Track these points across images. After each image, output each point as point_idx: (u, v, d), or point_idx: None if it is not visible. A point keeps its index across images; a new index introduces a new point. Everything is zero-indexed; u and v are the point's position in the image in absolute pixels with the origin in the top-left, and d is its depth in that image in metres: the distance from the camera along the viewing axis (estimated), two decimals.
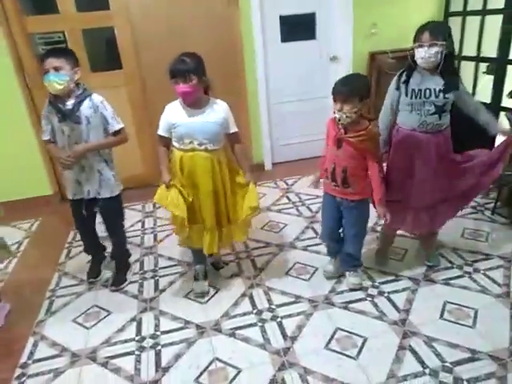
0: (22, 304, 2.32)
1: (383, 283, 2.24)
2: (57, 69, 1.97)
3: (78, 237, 2.77)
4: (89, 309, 2.25)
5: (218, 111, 2.02)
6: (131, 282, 2.44)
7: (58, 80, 1.97)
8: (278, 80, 3.83)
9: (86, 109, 2.07)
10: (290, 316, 2.05)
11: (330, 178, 2.04)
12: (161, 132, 2.07)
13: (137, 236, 2.96)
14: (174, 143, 2.06)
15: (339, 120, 1.88)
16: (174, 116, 2.01)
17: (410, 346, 1.81)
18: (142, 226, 3.13)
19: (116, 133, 2.16)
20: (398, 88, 2.05)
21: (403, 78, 2.03)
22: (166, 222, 3.07)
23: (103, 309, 2.24)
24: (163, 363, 1.84)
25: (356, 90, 1.83)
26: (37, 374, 1.86)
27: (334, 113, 1.88)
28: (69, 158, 2.08)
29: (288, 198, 3.39)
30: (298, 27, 3.76)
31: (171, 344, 1.94)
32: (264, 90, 3.77)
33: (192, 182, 2.04)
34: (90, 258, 2.54)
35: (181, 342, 1.95)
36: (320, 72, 3.92)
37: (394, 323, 1.95)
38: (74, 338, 2.05)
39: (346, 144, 1.93)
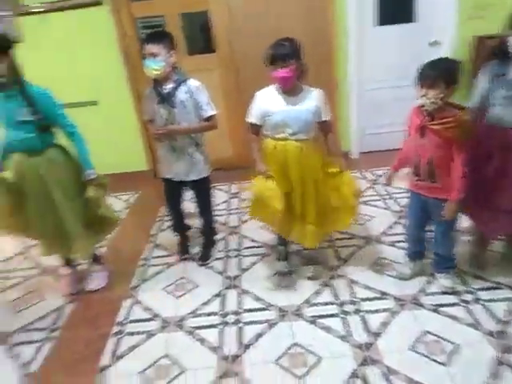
0: (119, 268, 2.54)
1: (480, 289, 2.07)
2: (154, 55, 2.04)
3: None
4: (177, 280, 2.40)
5: (312, 98, 1.98)
6: (217, 259, 2.55)
7: (154, 66, 2.06)
8: (370, 66, 3.65)
9: (181, 93, 2.15)
10: (374, 312, 1.99)
11: (414, 171, 1.91)
12: (253, 119, 2.05)
13: (222, 215, 3.07)
14: (266, 131, 2.04)
15: (423, 106, 1.75)
16: (268, 103, 1.98)
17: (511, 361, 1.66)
18: (228, 206, 3.23)
19: (208, 118, 2.22)
20: (491, 80, 1.85)
21: (496, 68, 1.83)
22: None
23: (191, 281, 2.37)
24: (245, 340, 1.90)
25: (443, 75, 1.68)
26: (132, 334, 2.03)
27: (419, 99, 1.75)
28: (158, 131, 2.18)
29: (375, 189, 3.26)
30: (396, 9, 3.52)
31: (253, 323, 2.00)
32: (355, 75, 3.62)
33: (284, 172, 2.01)
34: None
35: (262, 322, 2.00)
36: (418, 58, 3.64)
37: (490, 334, 1.80)
38: (164, 305, 2.20)
39: (430, 132, 1.79)
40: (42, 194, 2.07)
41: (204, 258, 2.54)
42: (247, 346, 1.87)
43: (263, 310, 2.08)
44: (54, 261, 2.51)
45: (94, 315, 2.20)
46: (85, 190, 2.13)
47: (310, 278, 2.27)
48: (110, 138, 3.68)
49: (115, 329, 2.07)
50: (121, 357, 1.91)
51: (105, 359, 1.90)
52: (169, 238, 2.81)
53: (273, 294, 2.18)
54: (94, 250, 2.43)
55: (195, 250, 2.65)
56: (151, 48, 2.04)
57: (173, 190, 2.44)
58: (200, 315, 2.10)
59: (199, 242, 2.66)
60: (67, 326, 2.15)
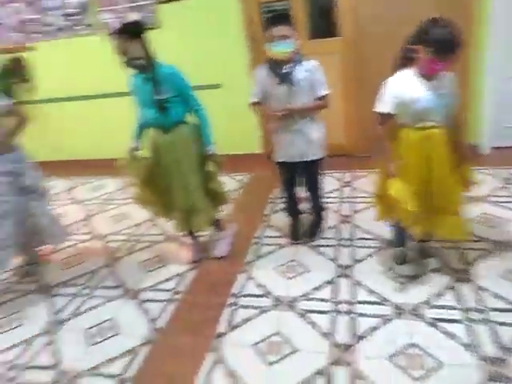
0: (235, 243, 2.68)
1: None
2: (285, 37, 2.04)
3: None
4: (289, 262, 2.44)
5: (446, 83, 1.81)
6: (328, 246, 2.53)
7: (285, 48, 2.06)
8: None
9: (300, 72, 2.15)
10: (507, 325, 1.80)
11: None
12: (386, 109, 1.87)
13: (334, 203, 3.03)
14: (404, 121, 1.88)
15: None
16: (409, 89, 1.80)
17: None
18: (340, 194, 3.17)
19: (321, 97, 2.21)
20: None
21: None
22: (363, 194, 3.05)
23: (302, 265, 2.40)
24: (358, 331, 1.87)
25: None
26: (245, 307, 2.14)
27: None
28: (278, 111, 2.20)
29: (509, 190, 2.92)
30: None
31: (366, 315, 1.96)
32: (496, 60, 3.23)
33: (425, 163, 1.86)
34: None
35: (376, 316, 1.94)
36: None
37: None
38: (276, 284, 2.27)
39: None
40: (174, 168, 2.26)
41: (311, 235, 2.59)
42: (360, 338, 1.84)
43: (377, 304, 2.02)
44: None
45: (211, 284, 2.37)
46: (205, 164, 2.30)
47: (428, 279, 2.13)
48: (228, 120, 3.84)
49: (230, 300, 2.20)
50: (235, 327, 2.02)
51: (221, 327, 2.03)
52: (281, 219, 2.86)
53: (387, 290, 2.10)
54: (215, 219, 2.56)
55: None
56: (282, 30, 2.05)
57: (288, 174, 2.48)
58: (311, 299, 2.12)
59: (307, 223, 2.69)
60: (188, 290, 2.34)
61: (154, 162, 2.30)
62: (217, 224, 2.61)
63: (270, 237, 2.72)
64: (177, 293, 2.33)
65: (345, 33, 3.43)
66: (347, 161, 3.56)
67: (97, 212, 3.42)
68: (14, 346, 2.11)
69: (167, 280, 2.44)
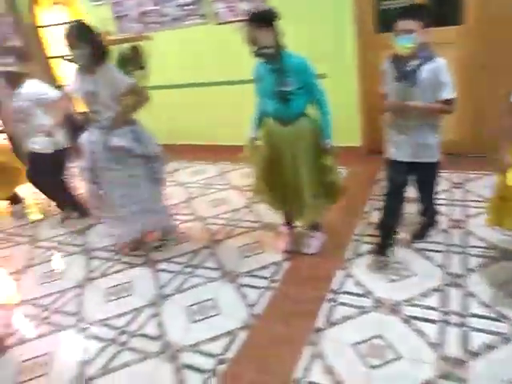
0: (332, 239, 2.61)
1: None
2: (408, 31, 1.91)
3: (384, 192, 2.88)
4: (391, 263, 2.32)
5: None
6: (436, 251, 2.35)
7: (406, 44, 1.92)
8: None
9: (426, 71, 1.97)
10: (481, 331, 1.70)
11: None
12: None
13: (442, 205, 2.80)
14: None
15: None
16: None
17: None
18: (450, 196, 2.93)
19: (446, 101, 2.00)
20: None
21: None
22: (478, 198, 2.79)
23: (406, 268, 2.26)
24: (471, 347, 1.72)
25: None
26: (344, 304, 2.08)
27: None
28: (394, 104, 2.08)
29: None
30: None
31: (481, 331, 1.79)
32: None
33: None
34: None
35: (493, 333, 1.76)
36: None
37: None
38: (377, 284, 2.17)
39: None
40: (289, 161, 2.24)
41: (418, 237, 2.45)
42: (475, 354, 1.68)
43: (494, 320, 1.83)
44: (274, 218, 2.76)
45: (308, 277, 2.34)
46: (321, 157, 2.23)
47: None
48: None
49: (329, 295, 2.15)
50: (334, 324, 1.98)
51: (318, 321, 2.00)
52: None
53: (506, 306, 1.89)
54: (321, 217, 2.52)
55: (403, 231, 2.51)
56: (406, 24, 1.91)
57: (398, 173, 2.31)
58: (417, 305, 1.99)
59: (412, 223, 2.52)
60: (285, 280, 2.35)
61: (270, 152, 2.30)
62: (315, 222, 2.55)
63: (371, 235, 2.61)
64: (273, 281, 2.35)
65: (468, 20, 3.12)
66: (458, 160, 3.27)
67: (197, 195, 3.58)
68: (125, 313, 2.30)
69: (263, 267, 2.47)
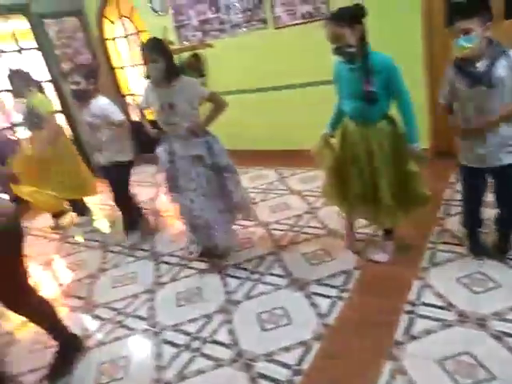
0: (404, 246, 2.49)
1: None
2: (466, 31, 1.77)
3: (458, 196, 2.71)
4: (473, 273, 2.17)
5: None
6: None
7: (464, 44, 1.79)
8: None
9: (500, 69, 1.81)
10: None
11: None
12: None
13: None
14: None
15: None
16: None
17: None
18: None
19: None
20: None
21: None
22: None
23: (491, 279, 2.10)
24: None
25: None
26: (424, 317, 1.97)
27: None
28: (471, 132, 1.96)
29: None
30: None
31: None
32: None
33: None
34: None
35: None
36: None
37: None
38: (458, 296, 2.04)
39: None
40: (366, 163, 2.17)
41: (503, 250, 2.24)
42: None
43: None
44: (339, 224, 2.68)
45: (382, 286, 2.25)
46: (404, 162, 2.13)
47: None
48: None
49: (407, 307, 2.05)
50: (415, 337, 1.87)
51: (398, 334, 1.90)
52: (457, 224, 2.56)
53: None
54: (399, 224, 2.40)
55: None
56: (462, 24, 1.78)
57: (475, 180, 2.16)
58: (508, 321, 1.84)
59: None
60: (356, 290, 2.26)
61: (344, 153, 2.24)
62: (389, 228, 2.45)
63: (447, 243, 2.46)
64: (344, 290, 2.27)
65: None
66: None
67: (258, 200, 3.58)
68: (196, 319, 2.32)
69: (333, 276, 2.40)
